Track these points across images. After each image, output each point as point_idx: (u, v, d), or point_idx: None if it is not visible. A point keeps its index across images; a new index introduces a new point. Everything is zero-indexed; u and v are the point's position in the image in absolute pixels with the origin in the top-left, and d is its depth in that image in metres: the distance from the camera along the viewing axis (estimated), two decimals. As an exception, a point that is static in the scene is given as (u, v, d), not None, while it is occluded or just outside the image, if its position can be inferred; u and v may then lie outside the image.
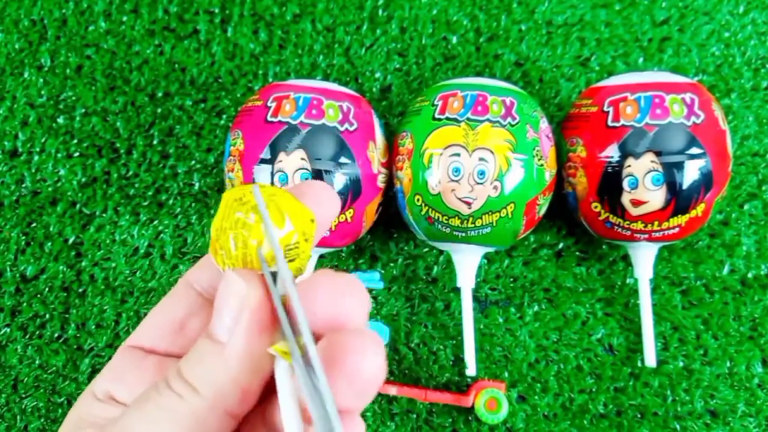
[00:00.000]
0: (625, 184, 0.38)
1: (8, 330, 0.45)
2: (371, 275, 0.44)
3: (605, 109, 0.39)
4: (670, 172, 0.37)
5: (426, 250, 0.46)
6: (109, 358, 0.45)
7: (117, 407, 0.21)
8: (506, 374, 0.43)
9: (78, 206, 0.47)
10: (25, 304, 0.46)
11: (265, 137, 0.38)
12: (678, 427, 0.43)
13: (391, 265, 0.45)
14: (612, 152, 0.38)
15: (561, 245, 0.45)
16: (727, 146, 0.39)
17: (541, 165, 0.38)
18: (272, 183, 0.38)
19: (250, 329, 0.18)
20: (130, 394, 0.21)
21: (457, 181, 0.37)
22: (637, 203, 0.38)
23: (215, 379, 0.18)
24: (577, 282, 0.45)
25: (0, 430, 0.44)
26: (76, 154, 0.48)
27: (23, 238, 0.46)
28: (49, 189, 0.47)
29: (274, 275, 0.19)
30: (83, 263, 0.46)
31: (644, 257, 0.41)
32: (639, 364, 0.43)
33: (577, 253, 0.45)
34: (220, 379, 0.18)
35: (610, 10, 0.49)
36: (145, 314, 0.45)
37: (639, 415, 0.43)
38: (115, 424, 0.18)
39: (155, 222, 0.46)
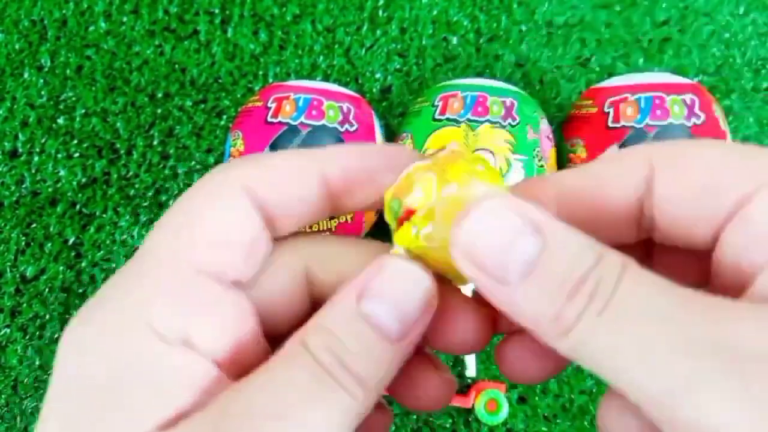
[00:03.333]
0: (626, 185, 0.38)
1: (8, 331, 0.45)
2: None
3: (605, 110, 0.39)
4: (671, 173, 0.37)
5: (426, 250, 0.46)
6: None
7: (200, 361, 0.15)
8: (506, 375, 0.43)
9: (78, 207, 0.47)
10: (25, 304, 0.46)
11: (266, 138, 0.38)
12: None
13: (391, 265, 0.45)
14: (612, 153, 0.38)
15: (561, 246, 0.45)
16: (728, 147, 0.38)
17: (542, 166, 0.38)
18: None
19: (421, 333, 0.16)
20: (220, 346, 0.16)
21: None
22: (637, 204, 0.38)
23: (382, 376, 0.16)
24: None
25: (0, 430, 0.44)
26: (76, 154, 0.47)
27: (23, 238, 0.46)
28: (49, 189, 0.47)
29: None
30: (83, 264, 0.46)
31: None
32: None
33: (578, 254, 0.45)
34: (385, 379, 0.16)
35: (610, 10, 0.49)
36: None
37: (639, 416, 0.43)
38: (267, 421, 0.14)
39: (155, 222, 0.46)
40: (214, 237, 0.16)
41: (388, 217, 0.17)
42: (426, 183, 0.16)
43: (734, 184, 0.15)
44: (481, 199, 0.15)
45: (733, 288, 0.15)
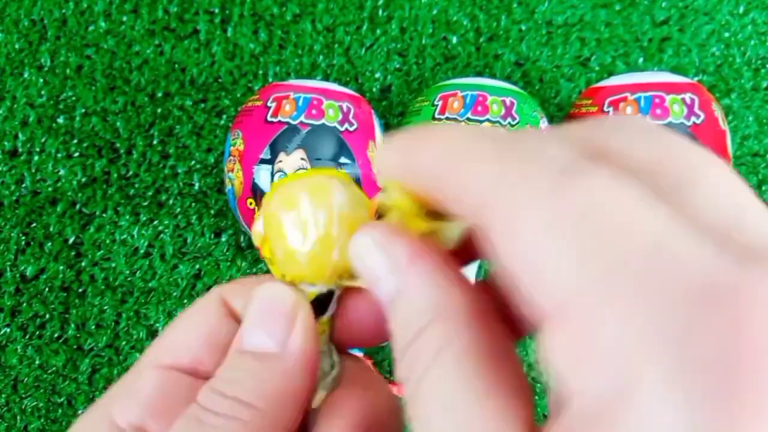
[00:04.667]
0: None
1: (8, 330, 0.45)
2: None
3: (605, 109, 0.39)
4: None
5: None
6: (109, 359, 0.45)
7: None
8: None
9: (78, 206, 0.47)
10: (25, 304, 0.46)
11: (265, 137, 0.38)
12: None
13: (391, 265, 0.45)
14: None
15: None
16: (727, 146, 0.39)
17: (541, 165, 0.38)
18: (272, 183, 0.38)
19: (305, 336, 0.17)
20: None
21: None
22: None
23: (272, 394, 0.16)
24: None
25: (0, 430, 0.44)
26: (76, 154, 0.48)
27: (23, 238, 0.46)
28: (49, 189, 0.47)
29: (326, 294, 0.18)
30: (83, 263, 0.46)
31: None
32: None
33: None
34: (278, 393, 0.16)
35: (610, 10, 0.49)
36: (145, 314, 0.46)
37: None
38: None
39: (155, 222, 0.46)
40: (179, 335, 0.18)
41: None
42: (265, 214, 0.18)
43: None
44: (360, 230, 0.16)
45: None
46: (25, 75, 0.49)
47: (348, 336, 0.18)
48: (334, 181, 0.17)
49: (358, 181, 0.38)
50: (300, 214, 0.17)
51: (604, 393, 0.09)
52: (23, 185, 0.47)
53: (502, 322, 0.13)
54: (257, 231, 0.18)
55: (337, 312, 0.18)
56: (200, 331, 0.18)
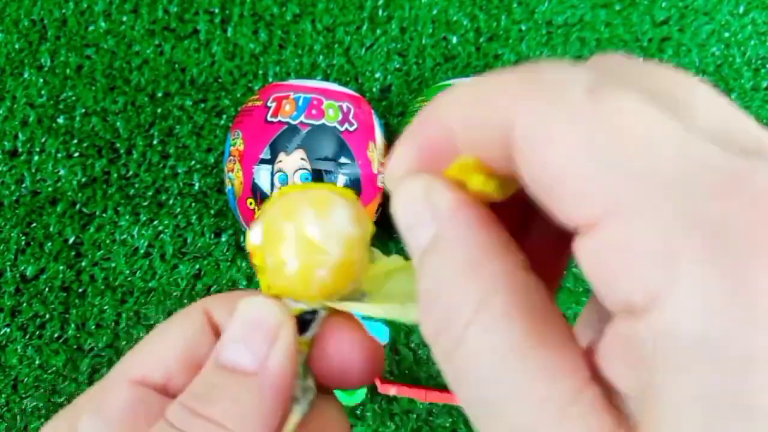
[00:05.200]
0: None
1: (8, 330, 0.45)
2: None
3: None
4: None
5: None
6: (109, 359, 0.45)
7: None
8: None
9: (78, 206, 0.47)
10: (25, 304, 0.46)
11: (265, 137, 0.38)
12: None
13: (391, 265, 0.45)
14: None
15: (561, 245, 0.45)
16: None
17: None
18: (272, 183, 0.38)
19: (286, 357, 0.16)
20: None
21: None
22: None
23: (245, 415, 0.15)
24: (577, 282, 0.45)
25: (0, 430, 0.44)
26: (76, 154, 0.48)
27: (23, 238, 0.46)
28: (49, 189, 0.47)
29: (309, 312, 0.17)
30: (83, 263, 0.46)
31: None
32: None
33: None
34: (252, 414, 0.15)
35: (610, 10, 0.49)
36: (145, 315, 0.46)
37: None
38: None
39: (155, 222, 0.46)
40: (154, 349, 0.17)
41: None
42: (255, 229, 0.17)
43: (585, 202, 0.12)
44: (405, 179, 0.14)
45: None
46: (25, 75, 0.49)
47: (327, 373, 0.17)
48: (338, 199, 0.17)
49: (357, 181, 0.38)
50: (297, 227, 0.16)
51: (649, 286, 0.10)
52: (23, 185, 0.47)
53: (540, 273, 0.13)
54: (252, 237, 0.17)
55: (317, 336, 0.17)
56: (177, 346, 0.17)
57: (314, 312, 0.17)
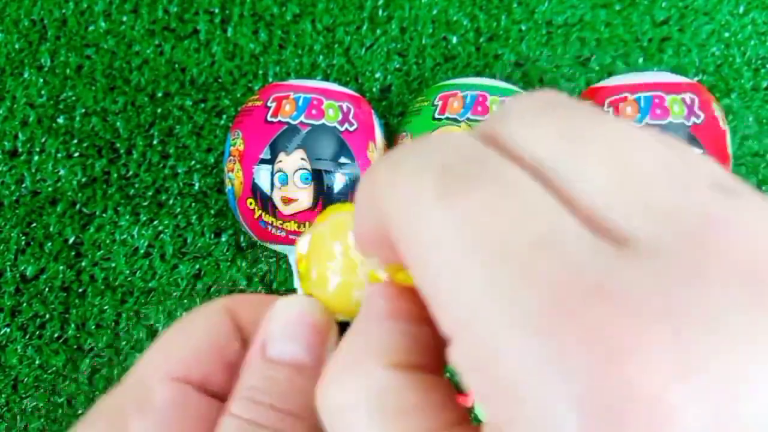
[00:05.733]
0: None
1: (8, 330, 0.45)
2: None
3: (605, 109, 0.39)
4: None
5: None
6: (109, 359, 0.45)
7: None
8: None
9: (78, 206, 0.47)
10: (25, 304, 0.46)
11: (265, 137, 0.38)
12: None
13: (391, 265, 0.45)
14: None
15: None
16: (727, 146, 0.39)
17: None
18: (272, 183, 0.38)
19: (334, 348, 0.16)
20: None
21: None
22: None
23: (312, 403, 0.15)
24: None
25: (0, 430, 0.44)
26: (76, 154, 0.48)
27: (23, 238, 0.46)
28: (49, 189, 0.47)
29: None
30: (83, 263, 0.46)
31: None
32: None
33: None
34: (312, 402, 0.16)
35: (610, 10, 0.49)
36: (145, 315, 0.46)
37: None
38: None
39: (155, 222, 0.46)
40: (189, 346, 0.17)
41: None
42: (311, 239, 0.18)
43: None
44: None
45: None
46: (25, 75, 0.49)
47: None
48: None
49: (357, 182, 0.38)
50: (343, 246, 0.17)
51: (500, 410, 0.09)
52: (23, 185, 0.47)
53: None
54: (300, 246, 0.18)
55: None
56: (211, 345, 0.17)
57: (347, 325, 0.18)
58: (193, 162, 0.47)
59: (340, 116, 0.38)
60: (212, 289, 0.46)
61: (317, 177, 0.37)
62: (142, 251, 0.46)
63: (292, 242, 0.40)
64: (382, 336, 0.13)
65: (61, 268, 0.46)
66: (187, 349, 0.17)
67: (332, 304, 0.17)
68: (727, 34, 0.48)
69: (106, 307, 0.45)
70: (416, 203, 0.10)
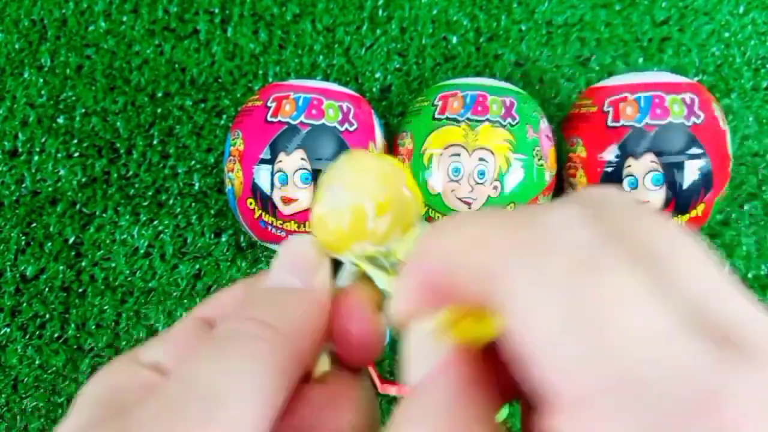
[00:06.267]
0: (625, 184, 0.38)
1: (8, 330, 0.45)
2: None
3: (605, 109, 0.39)
4: (670, 173, 0.37)
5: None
6: (109, 358, 0.45)
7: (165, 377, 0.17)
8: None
9: (78, 206, 0.47)
10: (25, 304, 0.46)
11: (265, 137, 0.38)
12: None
13: (391, 265, 0.45)
14: (612, 152, 0.38)
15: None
16: (727, 146, 0.39)
17: (541, 165, 0.38)
18: (272, 183, 0.38)
19: (327, 283, 0.18)
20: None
21: (457, 181, 0.37)
22: (637, 203, 0.38)
23: (295, 320, 0.17)
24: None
25: (0, 430, 0.44)
26: (76, 154, 0.48)
27: (23, 238, 0.46)
28: (49, 189, 0.47)
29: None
30: (83, 263, 0.46)
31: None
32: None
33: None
34: (300, 320, 0.17)
35: (610, 10, 0.49)
36: (146, 314, 0.46)
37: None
38: (171, 378, 0.15)
39: (155, 222, 0.46)
40: (221, 298, 0.20)
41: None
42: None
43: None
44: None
45: None
46: (25, 75, 0.49)
47: (340, 345, 0.18)
48: (404, 176, 0.19)
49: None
50: (357, 184, 0.19)
51: None
52: (23, 185, 0.47)
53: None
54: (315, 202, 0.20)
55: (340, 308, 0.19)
56: (226, 299, 0.19)
57: (339, 263, 0.19)
58: (193, 162, 0.47)
59: (340, 116, 0.38)
60: (212, 289, 0.46)
61: (317, 177, 0.37)
62: (142, 251, 0.46)
63: (292, 242, 0.40)
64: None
65: (61, 268, 0.46)
66: (219, 300, 0.20)
67: (331, 239, 0.19)
68: (727, 34, 0.48)
69: (106, 307, 0.45)
70: (545, 274, 0.11)
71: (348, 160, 0.19)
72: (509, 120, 0.38)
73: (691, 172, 0.37)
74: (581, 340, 0.11)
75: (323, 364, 0.18)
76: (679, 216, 0.38)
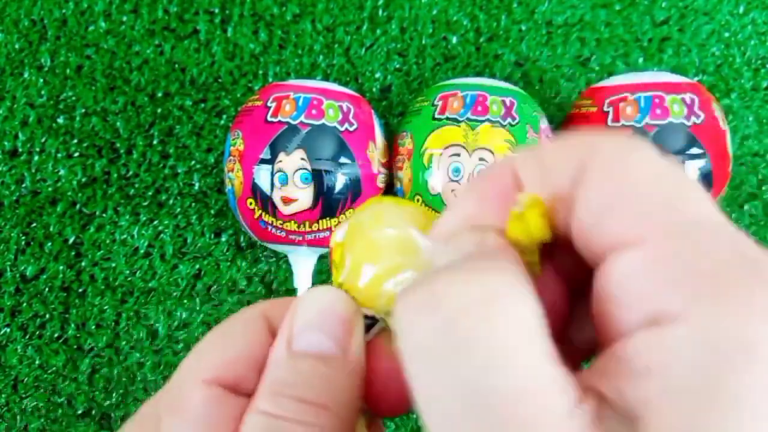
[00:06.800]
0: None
1: (8, 330, 0.45)
2: None
3: (605, 109, 0.39)
4: (670, 173, 0.37)
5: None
6: (109, 359, 0.45)
7: None
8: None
9: (78, 206, 0.47)
10: (25, 304, 0.46)
11: (265, 137, 0.38)
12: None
13: (391, 265, 0.45)
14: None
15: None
16: (727, 146, 0.39)
17: (541, 165, 0.38)
18: (272, 183, 0.38)
19: (362, 347, 0.17)
20: None
21: (457, 181, 0.37)
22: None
23: (342, 394, 0.16)
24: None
25: (0, 430, 0.44)
26: (76, 154, 0.48)
27: (23, 238, 0.46)
28: (49, 189, 0.47)
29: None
30: (83, 263, 0.46)
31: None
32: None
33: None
34: (344, 394, 0.16)
35: (610, 10, 0.49)
36: (145, 314, 0.46)
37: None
38: None
39: (155, 222, 0.46)
40: (225, 350, 0.17)
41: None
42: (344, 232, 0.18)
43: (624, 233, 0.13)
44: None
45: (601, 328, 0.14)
46: (25, 75, 0.49)
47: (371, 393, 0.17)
48: (425, 217, 0.17)
49: (357, 181, 0.38)
50: (384, 236, 0.17)
51: (679, 303, 0.11)
52: (23, 185, 0.47)
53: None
54: (337, 235, 0.18)
55: (371, 356, 0.17)
56: (244, 348, 0.17)
57: (374, 320, 0.17)
58: (193, 162, 0.47)
59: (340, 116, 0.38)
60: (212, 289, 0.46)
61: (317, 177, 0.37)
62: (142, 251, 0.46)
63: (292, 242, 0.40)
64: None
65: (61, 268, 0.46)
66: (222, 353, 0.17)
67: (361, 296, 0.17)
68: (727, 34, 0.48)
69: (106, 307, 0.45)
70: (645, 150, 0.14)
71: (370, 210, 0.18)
72: (509, 120, 0.38)
73: (691, 172, 0.37)
74: (657, 191, 0.13)
75: (361, 427, 0.17)
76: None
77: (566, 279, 0.16)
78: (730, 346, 0.10)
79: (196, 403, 0.16)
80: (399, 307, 0.13)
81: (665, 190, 0.13)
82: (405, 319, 0.13)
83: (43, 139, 0.48)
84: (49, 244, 0.46)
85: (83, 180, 0.47)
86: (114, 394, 0.45)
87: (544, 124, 0.40)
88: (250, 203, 0.39)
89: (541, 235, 0.14)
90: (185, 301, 0.46)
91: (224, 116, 0.48)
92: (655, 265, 0.12)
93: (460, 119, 0.38)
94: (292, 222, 0.38)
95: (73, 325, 0.45)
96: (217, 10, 0.49)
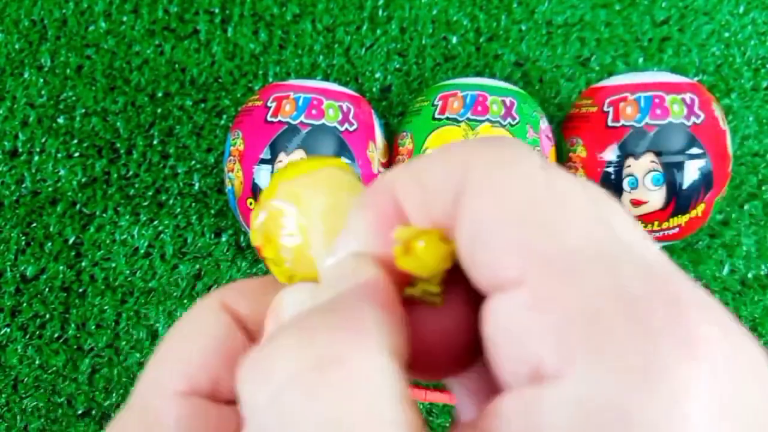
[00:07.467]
0: (625, 184, 0.38)
1: (8, 330, 0.45)
2: None
3: (605, 109, 0.39)
4: (670, 172, 0.37)
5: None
6: (109, 359, 0.45)
7: None
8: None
9: (78, 206, 0.47)
10: (25, 304, 0.46)
11: (265, 137, 0.38)
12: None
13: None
14: (612, 152, 0.38)
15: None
16: (727, 146, 0.39)
17: (541, 165, 0.38)
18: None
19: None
20: None
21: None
22: (637, 203, 0.38)
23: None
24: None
25: (0, 430, 0.44)
26: (76, 154, 0.48)
27: (23, 238, 0.46)
28: (49, 189, 0.47)
29: None
30: (83, 263, 0.46)
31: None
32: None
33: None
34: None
35: (610, 10, 0.49)
36: (145, 314, 0.46)
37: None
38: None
39: (155, 222, 0.46)
40: (190, 352, 0.16)
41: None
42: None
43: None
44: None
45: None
46: (25, 75, 0.49)
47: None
48: (343, 175, 0.16)
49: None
50: (312, 210, 0.15)
51: (560, 355, 0.11)
52: (23, 185, 0.47)
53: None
54: (257, 227, 0.16)
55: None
56: (212, 346, 0.15)
57: None
58: (193, 162, 0.47)
59: (340, 116, 0.38)
60: (212, 289, 0.46)
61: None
62: (142, 251, 0.46)
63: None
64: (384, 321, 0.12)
65: (61, 268, 0.46)
66: (189, 357, 0.15)
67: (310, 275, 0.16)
68: (727, 34, 0.48)
69: (106, 307, 0.45)
70: (520, 165, 0.12)
71: (284, 185, 0.16)
72: (509, 120, 0.38)
73: (691, 172, 0.37)
74: (536, 217, 0.11)
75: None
76: (679, 216, 0.38)
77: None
78: (604, 417, 0.10)
79: (174, 421, 0.14)
80: (240, 370, 0.11)
81: (542, 214, 0.11)
82: (240, 389, 0.11)
83: (43, 139, 0.48)
84: (50, 244, 0.46)
85: (83, 180, 0.47)
86: (114, 394, 0.45)
87: (544, 124, 0.40)
88: (250, 203, 0.39)
89: (436, 266, 0.13)
90: (185, 301, 0.46)
91: (224, 116, 0.48)
92: (531, 312, 0.11)
93: (460, 119, 0.38)
94: (292, 222, 0.38)
95: (73, 325, 0.45)
96: (217, 10, 0.49)
